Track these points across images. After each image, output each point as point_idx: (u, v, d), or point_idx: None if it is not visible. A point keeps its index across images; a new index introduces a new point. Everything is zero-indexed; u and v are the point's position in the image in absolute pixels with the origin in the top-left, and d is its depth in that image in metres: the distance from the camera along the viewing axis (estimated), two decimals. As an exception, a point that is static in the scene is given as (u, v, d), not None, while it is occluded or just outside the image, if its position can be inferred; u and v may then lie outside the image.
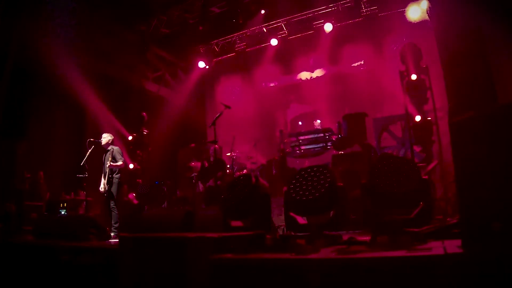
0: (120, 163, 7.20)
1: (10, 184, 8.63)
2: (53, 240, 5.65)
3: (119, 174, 7.20)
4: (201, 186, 9.91)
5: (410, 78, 7.48)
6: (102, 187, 7.09)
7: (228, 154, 10.10)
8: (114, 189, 7.06)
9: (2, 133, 7.86)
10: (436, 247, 3.07)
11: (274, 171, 9.73)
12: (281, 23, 11.92)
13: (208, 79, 14.11)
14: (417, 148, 7.45)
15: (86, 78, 11.08)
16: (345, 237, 4.26)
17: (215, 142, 7.83)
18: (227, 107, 8.15)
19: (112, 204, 7.00)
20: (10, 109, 7.84)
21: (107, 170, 7.06)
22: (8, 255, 5.46)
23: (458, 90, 5.04)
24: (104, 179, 7.08)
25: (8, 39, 7.66)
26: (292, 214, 4.47)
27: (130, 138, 12.30)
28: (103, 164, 7.19)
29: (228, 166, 9.71)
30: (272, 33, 12.14)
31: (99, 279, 4.34)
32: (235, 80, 13.80)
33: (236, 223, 4.84)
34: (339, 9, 11.08)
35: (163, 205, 9.87)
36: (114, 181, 7.09)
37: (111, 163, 7.08)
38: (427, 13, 8.80)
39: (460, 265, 2.51)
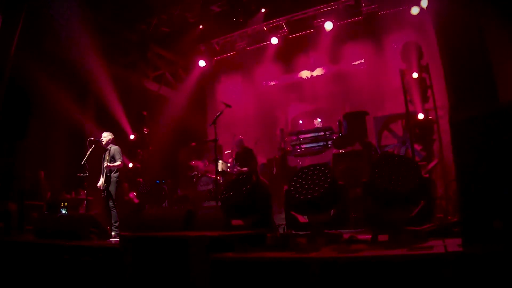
0: (118, 163, 7.21)
1: (11, 184, 8.62)
2: (54, 239, 5.66)
3: (117, 173, 7.21)
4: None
5: (411, 76, 7.47)
6: (100, 183, 7.14)
7: (229, 152, 10.12)
8: (112, 188, 7.06)
9: (2, 132, 7.85)
10: (437, 246, 3.07)
11: (274, 170, 9.73)
12: (281, 21, 11.88)
13: (209, 78, 14.09)
14: (417, 147, 7.44)
15: (86, 77, 11.10)
16: (346, 236, 4.27)
17: (215, 141, 7.83)
18: (228, 106, 8.15)
19: (111, 203, 7.01)
20: (11, 108, 7.84)
21: (105, 169, 7.09)
22: (9, 254, 5.47)
23: (459, 89, 5.04)
24: (103, 177, 7.11)
25: (8, 37, 7.65)
26: (292, 212, 4.47)
27: (132, 137, 12.33)
28: (103, 162, 7.22)
29: (229, 165, 9.71)
30: (273, 31, 12.12)
31: (100, 278, 4.34)
32: (235, 79, 13.78)
33: (236, 222, 4.84)
34: (340, 8, 11.05)
35: (164, 204, 9.89)
36: (112, 180, 7.09)
37: (109, 164, 7.09)
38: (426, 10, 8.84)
39: (461, 263, 2.51)
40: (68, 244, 5.03)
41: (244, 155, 9.16)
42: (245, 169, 8.84)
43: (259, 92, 13.14)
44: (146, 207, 9.69)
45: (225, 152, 10.23)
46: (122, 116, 12.15)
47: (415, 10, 9.90)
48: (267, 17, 11.85)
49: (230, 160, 9.73)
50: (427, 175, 4.24)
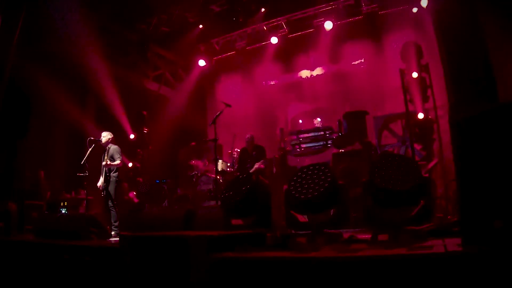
0: (117, 162, 7.21)
1: (11, 184, 8.62)
2: (53, 239, 5.66)
3: (116, 173, 7.22)
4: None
5: (411, 76, 7.47)
6: (100, 183, 7.15)
7: (229, 151, 10.12)
8: (111, 188, 7.07)
9: (2, 132, 7.86)
10: (436, 246, 3.07)
11: (274, 170, 9.72)
12: (281, 21, 11.87)
13: (209, 78, 14.08)
14: (417, 146, 7.45)
15: (86, 77, 11.10)
16: (346, 236, 4.27)
17: (215, 140, 7.83)
18: (228, 105, 8.15)
19: (110, 203, 7.01)
20: (11, 108, 7.84)
21: (105, 169, 7.10)
22: (9, 254, 5.47)
23: (459, 89, 5.04)
24: (102, 177, 7.11)
25: (8, 37, 7.65)
26: (292, 212, 4.47)
27: (132, 136, 12.34)
28: (102, 162, 7.22)
29: (228, 164, 9.71)
30: (272, 31, 12.11)
31: (100, 278, 4.34)
32: (235, 79, 13.77)
33: (236, 222, 4.84)
34: (339, 7, 11.05)
35: (164, 204, 9.89)
36: (111, 179, 7.10)
37: (108, 163, 7.09)
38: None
39: (461, 263, 2.51)
40: (68, 244, 5.03)
41: (258, 155, 9.15)
42: (263, 166, 8.83)
43: (259, 92, 13.13)
44: (146, 206, 9.70)
45: (233, 150, 10.23)
46: (122, 116, 12.15)
47: (415, 10, 9.94)
48: (267, 16, 11.85)
49: (235, 156, 9.69)
50: (427, 175, 4.25)
